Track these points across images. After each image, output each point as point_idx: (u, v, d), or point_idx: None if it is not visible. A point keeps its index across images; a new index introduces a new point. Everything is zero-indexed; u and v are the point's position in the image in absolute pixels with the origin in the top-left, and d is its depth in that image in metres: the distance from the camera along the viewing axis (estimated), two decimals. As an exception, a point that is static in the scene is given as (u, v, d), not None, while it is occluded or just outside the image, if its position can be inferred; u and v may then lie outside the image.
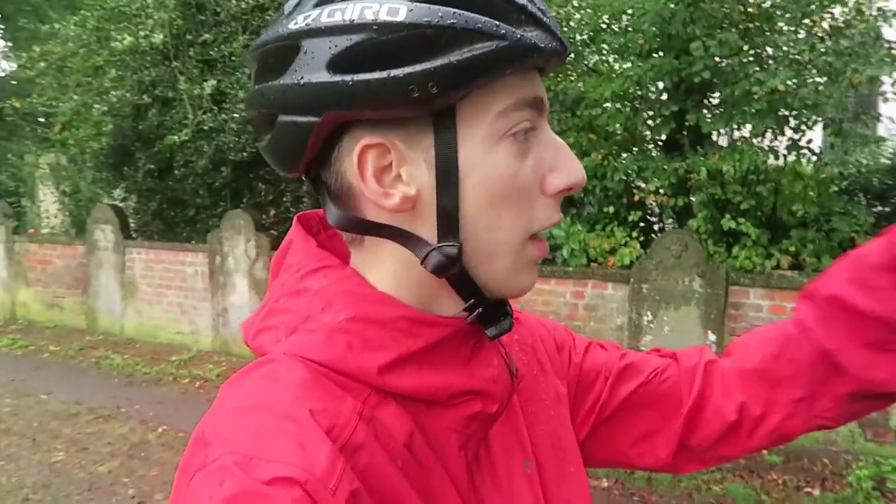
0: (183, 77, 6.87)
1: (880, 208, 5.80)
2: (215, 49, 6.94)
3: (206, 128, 6.82)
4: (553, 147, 0.58)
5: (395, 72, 0.50)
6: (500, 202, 0.55)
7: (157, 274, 7.28)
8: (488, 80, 0.52)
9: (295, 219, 0.66)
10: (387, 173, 0.55)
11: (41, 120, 9.18)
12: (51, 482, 4.20)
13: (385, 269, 0.58)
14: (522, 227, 0.56)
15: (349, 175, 0.56)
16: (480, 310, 0.58)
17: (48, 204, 9.61)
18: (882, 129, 5.97)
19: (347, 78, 0.51)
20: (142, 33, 6.65)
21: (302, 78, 0.52)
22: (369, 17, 0.50)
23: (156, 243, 7.44)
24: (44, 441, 4.84)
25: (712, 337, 4.63)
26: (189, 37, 7.08)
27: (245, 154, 6.82)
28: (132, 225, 7.99)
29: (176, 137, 6.57)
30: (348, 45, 0.51)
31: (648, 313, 4.79)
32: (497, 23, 0.51)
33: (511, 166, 0.55)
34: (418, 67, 0.50)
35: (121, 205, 8.20)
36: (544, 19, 0.54)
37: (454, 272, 0.56)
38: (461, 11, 0.51)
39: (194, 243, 7.25)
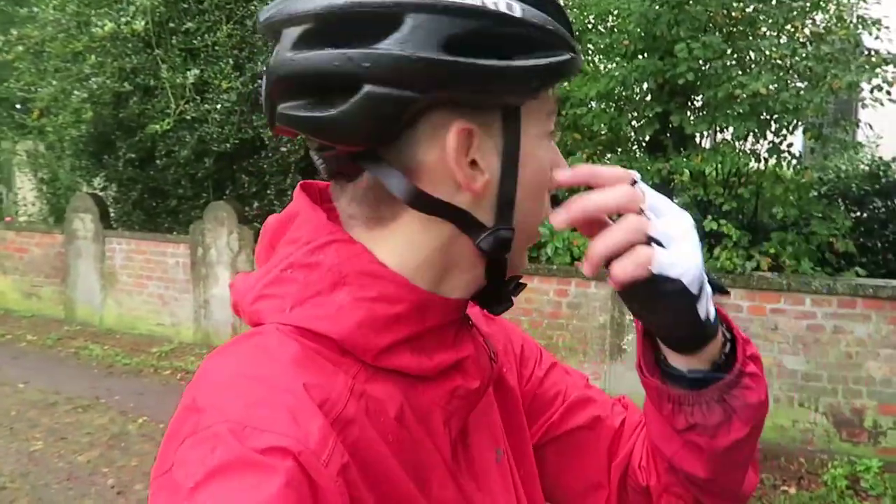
0: (165, 65, 6.78)
1: (858, 213, 5.93)
2: (199, 38, 6.86)
3: (188, 117, 6.75)
4: (555, 147, 0.64)
5: (515, 62, 0.54)
6: (539, 193, 0.61)
7: (138, 265, 7.20)
8: (556, 81, 0.59)
9: (298, 187, 0.64)
10: (464, 155, 0.56)
11: (18, 106, 9.01)
12: (29, 471, 4.16)
13: (411, 248, 0.58)
14: (541, 217, 0.62)
15: (429, 154, 0.55)
16: (494, 287, 0.62)
17: (26, 191, 9.46)
18: (861, 136, 6.09)
19: (465, 60, 0.52)
20: (123, 19, 6.55)
21: (408, 51, 0.51)
22: (492, 6, 0.53)
23: (137, 234, 7.36)
24: (21, 430, 4.79)
25: (692, 336, 4.70)
26: (172, 25, 6.98)
27: (228, 145, 6.77)
28: (112, 214, 7.89)
29: (158, 126, 6.49)
30: (467, 28, 0.52)
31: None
32: (570, 36, 0.59)
33: (546, 161, 0.61)
34: (531, 62, 0.55)
35: (101, 194, 8.09)
36: (571, 43, 0.60)
37: (504, 255, 0.60)
38: (551, 20, 0.57)
39: (176, 234, 7.18)
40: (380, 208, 0.58)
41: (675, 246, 0.58)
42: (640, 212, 0.59)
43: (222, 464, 0.45)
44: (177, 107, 6.69)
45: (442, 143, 0.55)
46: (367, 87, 0.51)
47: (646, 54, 5.50)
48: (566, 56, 0.57)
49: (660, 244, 0.58)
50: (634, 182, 0.60)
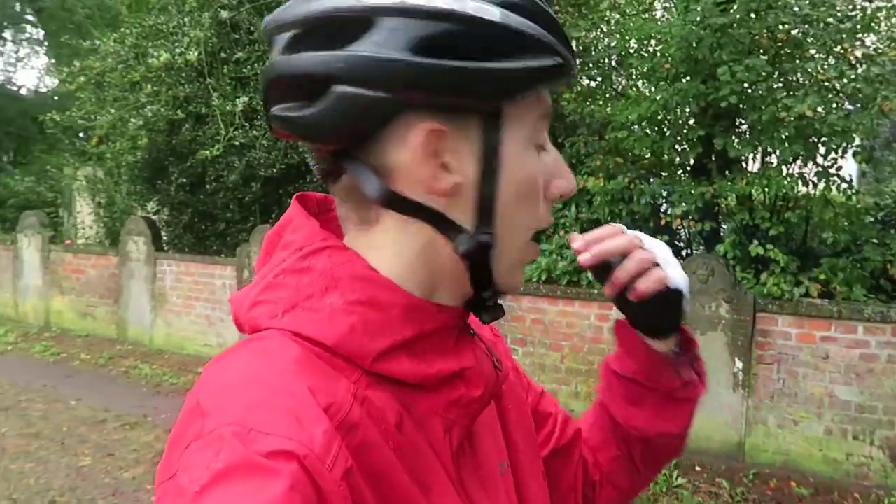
0: (216, 93, 7.03)
1: (915, 239, 5.70)
2: (248, 67, 7.10)
3: (237, 143, 6.96)
4: (554, 155, 0.63)
5: (488, 64, 0.54)
6: (524, 200, 0.60)
7: (187, 286, 7.40)
8: (541, 89, 0.59)
9: (294, 198, 0.66)
10: (439, 156, 0.57)
11: (80, 134, 9.44)
12: (77, 486, 4.28)
13: (396, 252, 0.59)
14: (530, 226, 0.62)
15: (400, 154, 0.56)
16: (483, 296, 0.62)
17: (84, 215, 9.86)
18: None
19: (435, 62, 0.52)
20: (178, 50, 6.84)
21: (379, 53, 0.52)
22: (459, 8, 0.53)
23: (186, 256, 7.58)
24: (72, 445, 4.93)
25: (739, 364, 4.57)
26: (223, 55, 7.25)
27: (275, 170, 6.95)
28: (164, 237, 8.16)
29: (208, 152, 6.71)
30: (438, 31, 0.53)
31: (673, 338, 4.75)
32: (556, 42, 0.58)
33: (536, 168, 0.60)
34: (507, 65, 0.54)
35: (153, 217, 8.38)
36: (563, 40, 0.59)
37: (481, 260, 0.60)
38: (534, 25, 0.56)
39: (224, 257, 7.37)
40: (362, 209, 0.60)
41: (671, 267, 0.74)
42: (642, 248, 0.73)
43: (227, 467, 0.45)
44: (226, 133, 6.91)
45: (412, 143, 0.56)
46: (339, 88, 0.53)
47: (688, 77, 5.45)
48: (548, 61, 0.57)
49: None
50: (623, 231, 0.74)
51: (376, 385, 0.55)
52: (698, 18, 5.12)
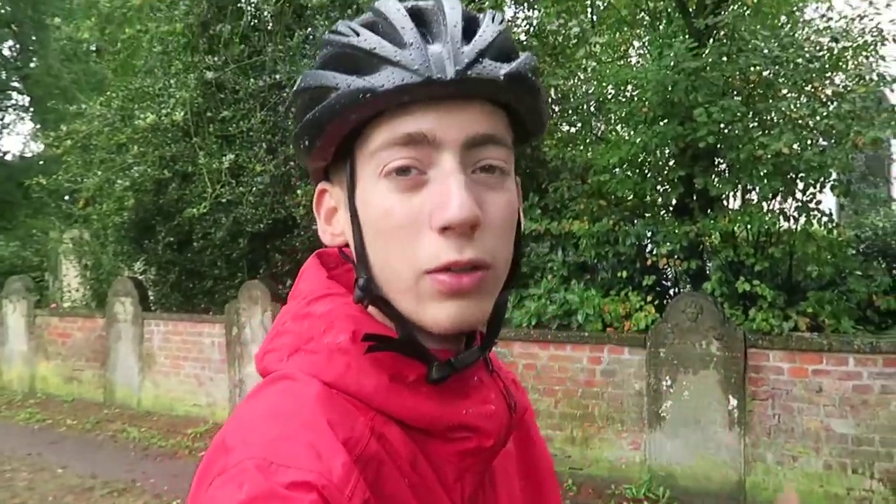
0: (202, 152, 7.09)
1: (898, 269, 5.78)
2: (234, 125, 7.18)
3: (224, 201, 6.99)
4: (444, 183, 0.56)
5: (294, 130, 0.61)
6: (383, 237, 0.58)
7: (175, 345, 7.32)
8: (340, 125, 0.57)
9: (314, 253, 0.71)
10: (335, 214, 0.65)
11: (66, 197, 9.45)
12: (64, 560, 4.13)
13: None
14: (410, 261, 0.56)
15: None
16: (412, 346, 0.59)
17: (70, 278, 9.78)
18: (895, 191, 6.00)
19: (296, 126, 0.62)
20: (164, 111, 6.92)
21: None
22: (303, 78, 0.60)
23: (174, 315, 7.52)
24: (58, 517, 4.79)
25: (734, 402, 4.55)
26: (209, 114, 7.34)
27: (262, 225, 6.96)
28: (151, 297, 8.10)
29: (195, 210, 6.73)
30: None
31: (667, 378, 4.74)
32: (335, 75, 0.57)
33: (387, 202, 0.57)
34: (296, 128, 0.61)
35: (140, 277, 8.33)
36: (395, 57, 0.55)
37: (368, 303, 0.61)
38: (323, 72, 0.59)
39: (212, 314, 7.31)
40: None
41: None
42: None
43: (250, 498, 0.47)
44: (213, 191, 6.94)
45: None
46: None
47: (666, 120, 5.57)
48: (333, 93, 0.57)
49: None
50: None
51: (391, 425, 0.57)
52: (672, 63, 5.27)
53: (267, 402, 0.56)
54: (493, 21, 0.59)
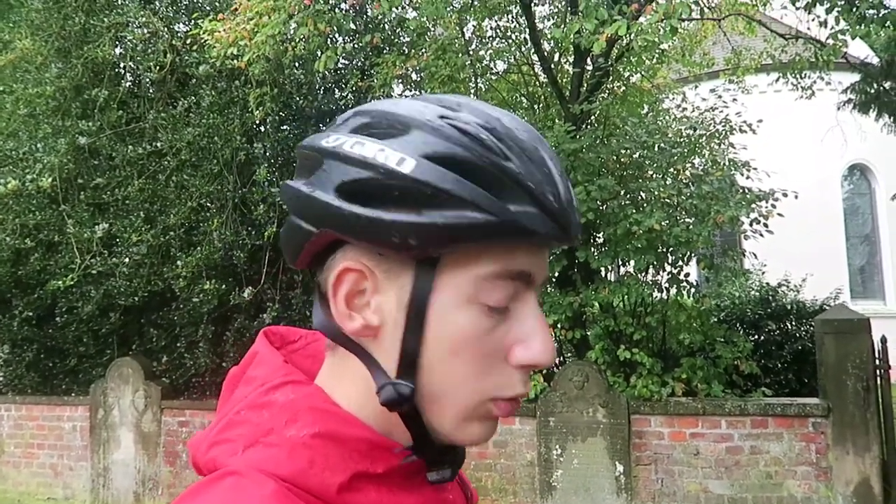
0: (71, 220, 6.65)
1: (756, 336, 6.31)
2: (108, 193, 6.82)
3: (94, 272, 6.54)
4: (531, 321, 0.57)
5: (384, 215, 0.54)
6: (460, 359, 0.56)
7: (29, 432, 6.60)
8: (470, 245, 0.55)
9: (261, 332, 0.67)
10: (359, 297, 0.58)
11: None
12: None
13: (354, 382, 0.59)
14: (480, 389, 0.56)
15: (329, 287, 0.59)
16: (421, 452, 0.58)
17: None
18: (748, 264, 6.63)
19: (346, 206, 0.55)
20: (29, 177, 6.46)
21: (314, 191, 0.57)
22: (380, 160, 0.54)
23: (29, 397, 6.82)
24: None
25: (620, 468, 4.70)
26: (80, 180, 6.93)
27: (136, 298, 6.55)
28: (1, 378, 7.31)
29: (60, 282, 6.24)
30: (356, 178, 0.55)
31: (557, 447, 4.83)
32: (492, 198, 0.54)
33: (479, 328, 0.56)
34: (404, 218, 0.53)
35: (-10, 357, 7.51)
36: (548, 203, 0.55)
37: (405, 410, 0.57)
38: (462, 179, 0.54)
39: (74, 395, 6.69)
40: (326, 335, 0.61)
41: None
42: None
43: None
44: (82, 261, 6.49)
45: (332, 278, 0.58)
46: (290, 216, 0.60)
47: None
48: (465, 218, 0.53)
49: None
50: None
51: None
52: (552, 144, 5.62)
53: (214, 501, 0.51)
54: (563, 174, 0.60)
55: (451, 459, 0.61)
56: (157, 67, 6.97)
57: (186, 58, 6.95)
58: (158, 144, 6.75)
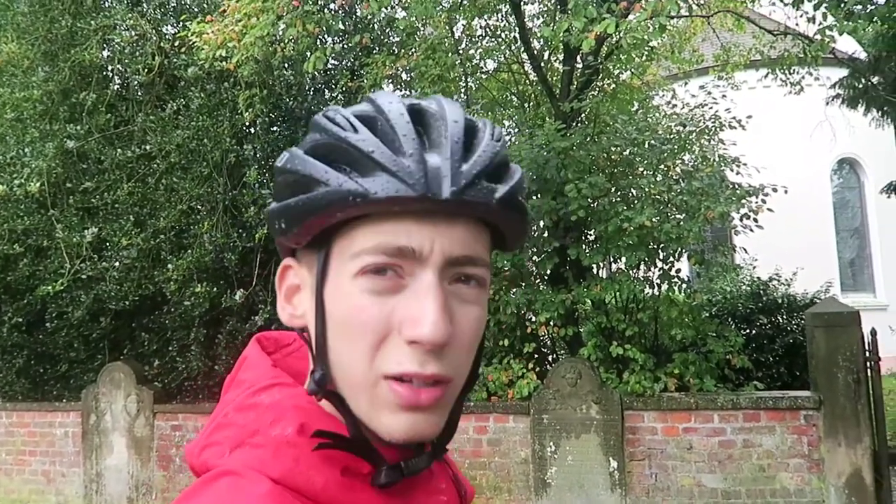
0: (61, 225, 6.60)
1: (747, 330, 6.33)
2: (97, 197, 6.78)
3: (84, 276, 6.50)
4: (420, 297, 0.55)
5: (269, 207, 0.61)
6: (349, 335, 0.56)
7: (20, 439, 6.55)
8: (322, 220, 0.56)
9: (253, 338, 0.69)
10: (297, 292, 0.62)
11: None
12: None
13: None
14: (369, 362, 0.55)
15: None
16: (361, 448, 0.57)
17: None
18: (739, 259, 6.66)
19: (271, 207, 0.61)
20: (16, 181, 6.42)
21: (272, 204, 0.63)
22: (281, 157, 0.60)
23: (20, 404, 6.77)
24: None
25: (614, 463, 4.71)
26: (69, 185, 6.89)
27: (127, 303, 6.51)
28: (-9, 385, 7.25)
29: (50, 288, 6.20)
30: (276, 181, 0.62)
31: (551, 444, 4.84)
32: (334, 171, 0.56)
33: (364, 305, 0.55)
34: (275, 205, 0.60)
35: (-21, 363, 7.45)
36: (401, 171, 0.54)
37: (320, 397, 0.58)
38: (313, 161, 0.57)
39: (66, 401, 6.65)
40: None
41: None
42: None
43: None
44: (71, 266, 6.44)
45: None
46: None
47: (539, 195, 5.90)
48: (314, 193, 0.56)
49: None
50: None
51: None
52: (543, 142, 5.63)
53: (211, 502, 0.52)
54: (492, 137, 0.59)
55: (407, 462, 0.59)
56: (146, 70, 6.93)
57: (175, 60, 6.92)
58: (147, 147, 6.72)
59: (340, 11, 6.92)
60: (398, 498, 0.58)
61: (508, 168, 0.60)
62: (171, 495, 5.71)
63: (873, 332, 4.93)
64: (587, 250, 5.75)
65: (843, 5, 5.32)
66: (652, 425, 4.76)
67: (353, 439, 0.57)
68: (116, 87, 7.31)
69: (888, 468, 4.58)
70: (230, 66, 5.90)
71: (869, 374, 4.69)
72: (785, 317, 6.48)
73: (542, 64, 7.58)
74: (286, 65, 6.98)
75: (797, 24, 7.11)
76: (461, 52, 7.92)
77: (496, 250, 0.63)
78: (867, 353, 4.75)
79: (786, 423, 4.57)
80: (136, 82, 7.08)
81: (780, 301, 6.59)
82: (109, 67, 7.32)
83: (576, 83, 6.93)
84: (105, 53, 7.25)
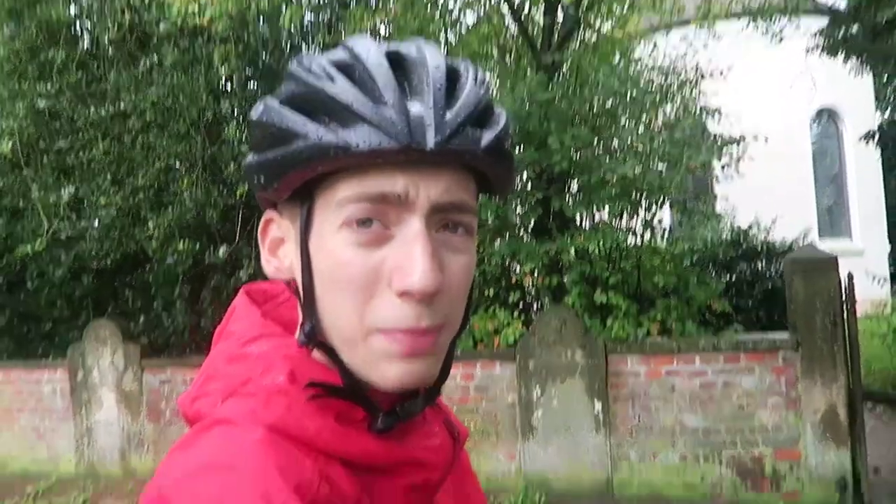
0: (36, 185, 6.50)
1: (728, 276, 6.46)
2: (72, 156, 6.66)
3: (62, 237, 6.43)
4: (408, 246, 0.54)
5: (246, 161, 0.59)
6: (337, 288, 0.55)
7: (8, 397, 6.54)
8: (302, 173, 0.55)
9: (241, 289, 0.68)
10: (281, 245, 0.62)
11: None
12: None
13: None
14: (360, 317, 0.55)
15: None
16: (356, 396, 0.57)
17: None
18: (719, 207, 6.75)
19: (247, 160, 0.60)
20: (-12, 142, 6.28)
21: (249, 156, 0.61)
22: (254, 111, 0.58)
23: (6, 362, 6.74)
24: None
25: (598, 406, 4.83)
26: (42, 144, 6.75)
27: (108, 261, 6.47)
28: (-25, 347, 7.21)
29: (28, 248, 6.13)
30: (252, 133, 0.60)
31: (537, 388, 4.94)
32: (305, 122, 0.54)
33: (350, 255, 0.54)
34: (252, 159, 0.58)
35: (-39, 325, 7.39)
36: (372, 116, 0.53)
37: (311, 348, 0.58)
38: (290, 112, 0.55)
39: (52, 359, 6.64)
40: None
41: None
42: None
43: None
44: (50, 226, 6.36)
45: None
46: None
47: (522, 147, 5.90)
48: (292, 147, 0.54)
49: None
50: None
51: (334, 465, 0.55)
52: (525, 95, 5.61)
53: (206, 450, 0.52)
54: (474, 82, 0.57)
55: (402, 406, 0.59)
56: (116, 26, 6.74)
57: (146, 16, 6.73)
58: (122, 105, 6.58)
59: (317, -38, 6.76)
60: (393, 442, 0.58)
61: (493, 113, 0.58)
62: (163, 446, 5.76)
63: (850, 277, 5.05)
64: (570, 201, 5.79)
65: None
66: (635, 369, 4.87)
67: (346, 388, 0.57)
68: (86, 44, 7.12)
69: (861, 404, 4.75)
70: (203, 22, 5.75)
71: (845, 316, 4.82)
72: (764, 263, 6.62)
73: (523, 17, 7.49)
74: (262, 20, 6.84)
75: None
76: (440, 5, 7.79)
77: (483, 193, 0.62)
78: (844, 297, 4.87)
79: (765, 364, 4.70)
80: (105, 40, 6.89)
81: (759, 248, 6.72)
82: (78, 24, 7.11)
83: (557, 35, 6.87)
84: (72, 10, 7.03)
